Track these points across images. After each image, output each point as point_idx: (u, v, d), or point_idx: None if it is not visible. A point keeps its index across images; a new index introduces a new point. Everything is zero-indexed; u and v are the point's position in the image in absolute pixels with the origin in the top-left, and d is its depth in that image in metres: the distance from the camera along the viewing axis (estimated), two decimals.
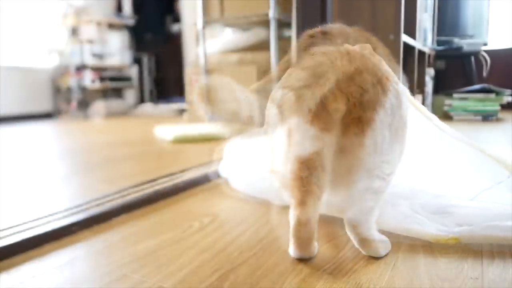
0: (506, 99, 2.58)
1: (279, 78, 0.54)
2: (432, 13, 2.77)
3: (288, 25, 2.55)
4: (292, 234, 0.57)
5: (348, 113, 0.50)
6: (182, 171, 1.16)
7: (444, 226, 0.65)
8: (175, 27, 4.91)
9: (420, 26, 2.33)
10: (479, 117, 2.60)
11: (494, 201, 0.73)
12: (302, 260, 0.59)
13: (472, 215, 0.68)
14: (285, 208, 0.81)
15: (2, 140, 2.36)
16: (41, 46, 4.29)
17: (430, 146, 0.81)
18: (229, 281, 0.54)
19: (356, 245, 0.60)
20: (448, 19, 2.97)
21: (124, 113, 4.45)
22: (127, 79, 4.73)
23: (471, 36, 2.95)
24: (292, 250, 0.59)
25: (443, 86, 3.34)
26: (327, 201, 0.56)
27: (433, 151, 0.82)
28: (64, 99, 4.38)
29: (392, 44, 0.98)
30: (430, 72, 2.73)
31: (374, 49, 0.57)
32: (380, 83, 0.51)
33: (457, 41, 2.85)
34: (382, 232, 0.63)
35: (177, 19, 4.83)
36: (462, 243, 0.62)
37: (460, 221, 0.66)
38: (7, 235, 0.69)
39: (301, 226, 0.54)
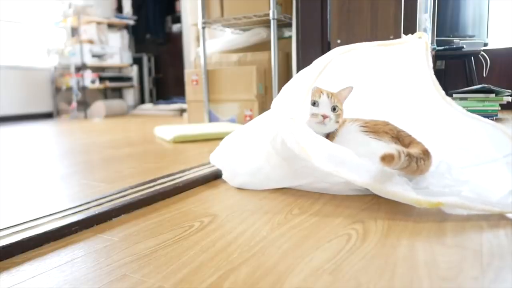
0: (506, 99, 2.58)
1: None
2: (432, 13, 2.77)
3: (288, 25, 2.55)
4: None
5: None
6: (182, 171, 1.16)
7: (427, 195, 0.77)
8: (175, 27, 4.91)
9: (420, 26, 2.33)
10: None
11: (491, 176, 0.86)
12: (302, 260, 0.59)
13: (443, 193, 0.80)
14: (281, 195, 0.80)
15: (3, 140, 2.36)
16: (41, 46, 4.29)
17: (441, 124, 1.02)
18: (229, 281, 0.54)
19: None
20: (448, 19, 2.97)
21: (124, 113, 4.46)
22: (127, 79, 4.73)
23: (471, 36, 2.95)
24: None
25: (443, 86, 3.33)
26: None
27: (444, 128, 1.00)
28: (64, 99, 4.38)
29: None
30: None
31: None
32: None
33: (457, 41, 2.85)
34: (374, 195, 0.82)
35: (177, 19, 4.84)
36: (445, 207, 0.76)
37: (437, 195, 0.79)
38: (7, 235, 0.69)
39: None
